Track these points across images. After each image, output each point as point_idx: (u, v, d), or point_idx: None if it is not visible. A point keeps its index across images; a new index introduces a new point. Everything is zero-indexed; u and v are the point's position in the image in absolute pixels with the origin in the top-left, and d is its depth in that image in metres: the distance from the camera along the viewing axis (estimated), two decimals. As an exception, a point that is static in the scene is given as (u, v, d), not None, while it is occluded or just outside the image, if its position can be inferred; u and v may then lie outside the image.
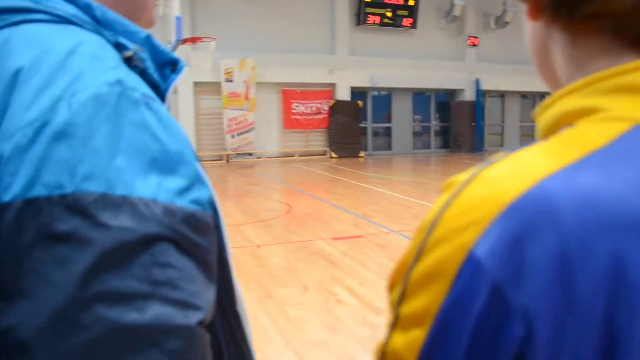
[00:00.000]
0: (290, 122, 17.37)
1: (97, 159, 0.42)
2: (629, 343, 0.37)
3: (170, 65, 0.59)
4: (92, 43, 0.49)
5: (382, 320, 3.83)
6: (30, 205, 0.40)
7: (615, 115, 0.43)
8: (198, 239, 0.45)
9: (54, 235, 0.40)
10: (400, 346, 0.44)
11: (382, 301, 4.21)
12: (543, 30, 0.52)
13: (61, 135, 0.42)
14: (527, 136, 21.35)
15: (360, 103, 17.86)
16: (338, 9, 17.48)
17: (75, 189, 0.41)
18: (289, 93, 17.24)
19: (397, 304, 0.44)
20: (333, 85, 17.69)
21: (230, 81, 16.14)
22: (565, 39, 0.49)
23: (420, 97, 19.74)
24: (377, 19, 17.88)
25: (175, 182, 0.45)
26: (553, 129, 0.47)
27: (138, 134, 0.45)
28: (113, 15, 0.56)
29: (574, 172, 0.40)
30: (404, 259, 0.45)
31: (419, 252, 0.43)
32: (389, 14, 17.98)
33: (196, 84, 16.05)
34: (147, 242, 0.42)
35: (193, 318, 0.43)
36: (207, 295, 0.46)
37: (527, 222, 0.38)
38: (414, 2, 18.15)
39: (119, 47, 0.53)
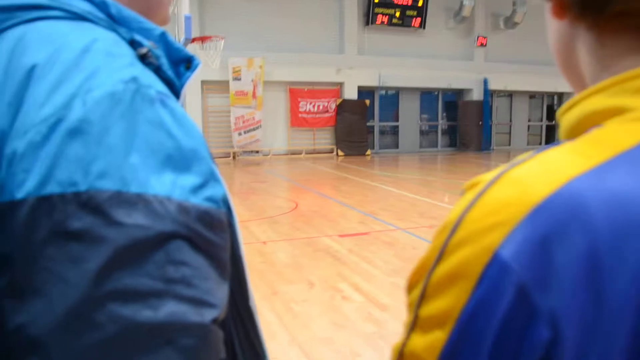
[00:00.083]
0: (297, 120, 17.39)
1: (112, 157, 0.42)
2: None
3: (184, 63, 0.59)
4: (106, 40, 0.49)
5: (388, 316, 3.83)
6: (44, 203, 0.40)
7: None
8: (212, 236, 0.45)
9: (68, 233, 0.40)
10: (419, 348, 0.43)
11: (387, 298, 4.21)
12: (568, 29, 0.51)
13: (75, 132, 0.42)
14: (535, 135, 21.32)
15: (367, 102, 17.86)
16: (347, 9, 17.49)
17: (89, 186, 0.40)
18: (297, 92, 17.27)
19: (417, 305, 0.44)
20: (341, 84, 17.69)
21: (238, 79, 16.18)
22: (591, 38, 0.48)
23: (428, 96, 19.72)
24: (386, 19, 17.88)
25: (190, 180, 0.45)
26: (578, 128, 0.45)
27: (153, 132, 0.44)
28: (128, 12, 0.56)
29: (604, 173, 0.39)
30: (424, 259, 0.44)
31: (441, 253, 0.42)
32: (397, 14, 17.96)
33: (204, 82, 16.12)
34: (162, 239, 0.41)
35: (207, 315, 0.43)
36: (220, 293, 0.45)
37: (555, 223, 0.37)
38: (422, 2, 18.14)
39: (133, 44, 0.53)
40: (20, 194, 0.40)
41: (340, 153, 17.54)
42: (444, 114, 20.14)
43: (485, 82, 19.15)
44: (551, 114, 21.55)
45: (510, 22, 19.29)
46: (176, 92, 0.56)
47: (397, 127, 19.34)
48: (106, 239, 0.40)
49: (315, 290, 4.48)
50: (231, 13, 16.27)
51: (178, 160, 0.45)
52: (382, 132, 19.18)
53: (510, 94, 20.61)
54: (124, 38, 0.53)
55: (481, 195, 0.42)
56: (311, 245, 5.98)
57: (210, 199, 0.46)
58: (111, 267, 0.39)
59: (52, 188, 0.40)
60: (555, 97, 21.40)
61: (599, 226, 0.37)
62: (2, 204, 0.41)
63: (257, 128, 16.58)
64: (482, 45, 19.20)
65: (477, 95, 19.35)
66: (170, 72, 0.56)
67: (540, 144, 21.35)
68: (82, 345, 0.38)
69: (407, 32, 18.49)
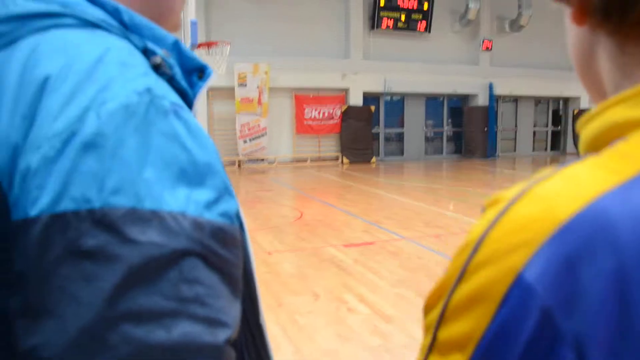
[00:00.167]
0: (302, 127, 17.38)
1: (126, 172, 0.42)
2: None
3: (197, 72, 0.58)
4: (120, 50, 0.49)
5: (393, 329, 3.82)
6: (58, 221, 0.40)
7: None
8: (226, 253, 0.45)
9: (82, 251, 0.39)
10: None
11: (393, 309, 4.21)
12: (588, 36, 0.49)
13: (90, 146, 0.41)
14: (540, 141, 21.21)
15: (372, 108, 17.84)
16: (352, 12, 17.45)
17: (104, 203, 0.40)
18: (302, 98, 17.26)
19: (436, 327, 0.42)
20: (346, 90, 17.67)
21: (244, 86, 16.17)
22: (613, 45, 0.46)
23: (433, 102, 19.68)
24: (391, 23, 17.85)
25: (204, 195, 0.45)
26: (601, 141, 0.44)
27: (167, 145, 0.44)
28: (140, 19, 0.55)
29: (630, 190, 0.37)
30: (444, 280, 0.43)
31: (462, 274, 0.41)
32: (403, 18, 17.94)
33: (210, 88, 16.02)
34: (176, 257, 0.41)
35: (221, 336, 0.42)
36: (233, 311, 0.45)
37: (582, 244, 0.36)
38: (427, 5, 18.12)
39: (146, 52, 0.52)
40: (34, 212, 0.40)
41: (345, 160, 17.52)
42: (450, 120, 20.08)
43: (491, 87, 19.10)
44: (557, 119, 21.43)
45: (515, 25, 19.23)
46: (189, 101, 0.56)
47: (402, 133, 19.31)
48: (120, 257, 0.39)
49: (320, 301, 4.47)
50: (236, 18, 16.25)
51: (192, 174, 0.44)
52: (387, 139, 19.15)
53: (515, 99, 20.53)
54: (136, 46, 0.52)
55: (504, 213, 0.40)
56: (316, 255, 5.97)
57: (224, 215, 0.45)
58: (125, 286, 0.39)
59: (66, 205, 0.40)
60: (561, 102, 21.30)
61: (626, 247, 0.36)
62: (16, 222, 0.41)
63: (263, 135, 16.59)
64: (487, 49, 19.15)
65: (482, 100, 19.29)
66: (183, 82, 0.55)
67: (546, 150, 21.25)
68: None
69: (413, 36, 18.46)
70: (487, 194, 10.37)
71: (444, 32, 18.85)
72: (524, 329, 0.37)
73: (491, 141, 19.31)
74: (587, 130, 0.46)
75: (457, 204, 9.42)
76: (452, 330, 0.41)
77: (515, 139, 20.94)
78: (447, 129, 20.10)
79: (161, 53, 0.53)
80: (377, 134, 18.73)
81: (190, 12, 9.57)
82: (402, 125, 19.28)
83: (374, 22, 17.69)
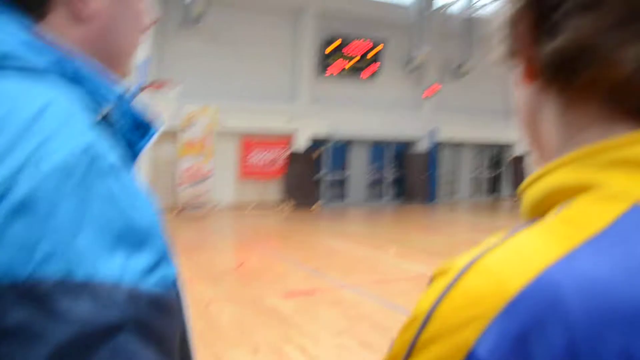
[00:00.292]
0: (246, 171, 17.29)
1: (58, 237, 0.39)
2: None
3: (144, 126, 0.57)
4: (62, 102, 0.47)
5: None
6: None
7: (612, 192, 0.40)
8: (161, 323, 0.42)
9: (2, 329, 0.35)
10: None
11: (333, 362, 4.12)
12: (535, 95, 0.49)
13: (20, 210, 0.38)
14: (478, 185, 21.85)
15: (317, 153, 17.97)
16: (302, 58, 17.69)
17: (31, 273, 0.37)
18: (248, 141, 17.20)
19: None
20: (292, 133, 17.73)
21: (190, 127, 15.72)
22: (559, 106, 0.47)
23: (377, 147, 20.01)
24: (338, 69, 18.18)
25: (142, 261, 0.42)
26: (545, 204, 0.44)
27: (104, 208, 0.42)
28: (88, 70, 0.53)
29: (577, 260, 0.37)
30: (390, 357, 0.41)
31: (410, 349, 0.39)
32: (350, 65, 18.32)
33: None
34: (108, 332, 0.38)
35: None
36: None
37: (532, 318, 0.36)
38: (375, 53, 18.56)
39: (92, 105, 0.50)
40: None
41: (288, 206, 17.49)
42: (393, 165, 20.46)
43: (433, 133, 19.60)
44: (495, 164, 22.20)
45: (459, 72, 19.92)
46: (135, 152, 0.54)
47: (345, 179, 19.50)
48: (46, 335, 0.36)
49: (260, 354, 4.35)
50: (187, 55, 16.12)
51: (130, 238, 0.42)
52: (331, 184, 19.28)
53: (457, 144, 21.12)
54: (82, 97, 0.50)
55: (453, 286, 0.39)
56: (256, 305, 5.84)
57: (161, 282, 0.43)
58: None
59: None
60: (500, 148, 22.08)
61: (576, 319, 0.35)
62: None
63: (206, 179, 16.28)
64: (431, 95, 19.59)
65: (424, 146, 19.75)
66: (129, 134, 0.54)
67: (485, 194, 21.88)
68: None
69: (360, 81, 18.81)
70: (427, 239, 10.56)
71: (390, 78, 19.30)
72: None
73: (432, 186, 19.73)
74: (530, 194, 0.46)
75: (398, 249, 9.49)
76: None
77: (455, 182, 21.47)
78: (390, 174, 20.42)
79: (107, 105, 0.52)
80: (321, 179, 18.82)
81: (140, 49, 9.48)
82: (346, 170, 19.48)
83: (322, 67, 18.02)
